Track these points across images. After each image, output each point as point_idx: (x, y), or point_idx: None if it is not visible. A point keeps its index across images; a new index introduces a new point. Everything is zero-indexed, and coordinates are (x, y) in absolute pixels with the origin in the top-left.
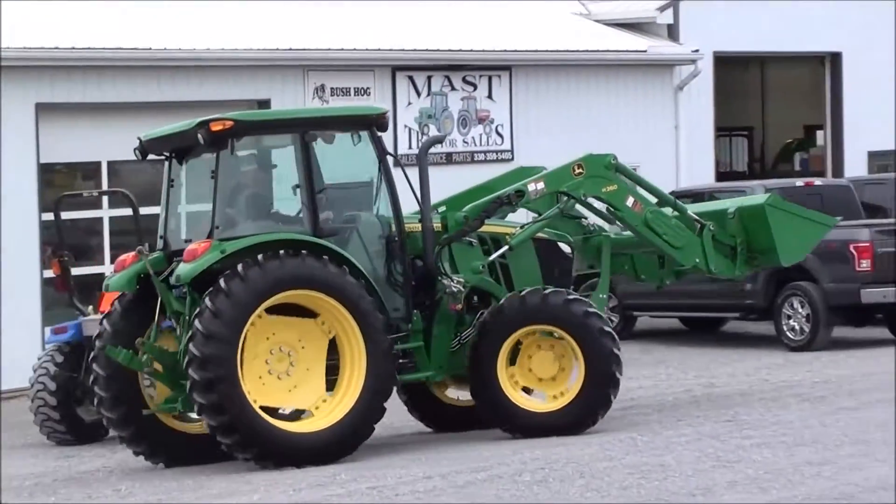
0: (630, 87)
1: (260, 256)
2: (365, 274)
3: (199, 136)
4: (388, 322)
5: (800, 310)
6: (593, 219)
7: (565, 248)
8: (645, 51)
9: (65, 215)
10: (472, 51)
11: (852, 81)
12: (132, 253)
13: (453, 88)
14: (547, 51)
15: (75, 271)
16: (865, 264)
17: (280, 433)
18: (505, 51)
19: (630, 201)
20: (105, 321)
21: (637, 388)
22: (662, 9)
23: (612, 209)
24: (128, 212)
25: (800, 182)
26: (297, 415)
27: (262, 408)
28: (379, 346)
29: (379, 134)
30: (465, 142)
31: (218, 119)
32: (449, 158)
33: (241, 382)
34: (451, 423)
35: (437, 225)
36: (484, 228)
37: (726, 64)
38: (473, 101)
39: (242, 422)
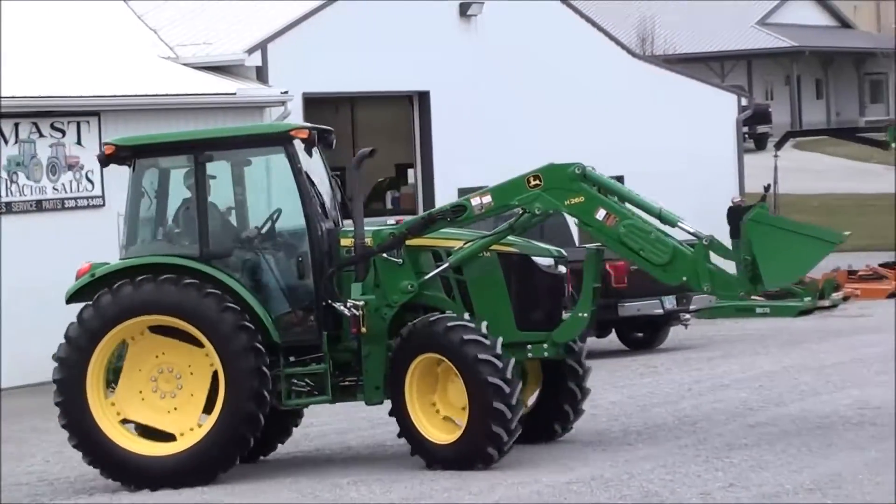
0: None
1: (122, 283)
2: (241, 294)
3: (97, 156)
4: (264, 343)
5: None
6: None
7: (544, 262)
8: (234, 93)
9: None
10: (59, 97)
11: (440, 119)
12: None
13: (41, 135)
14: (136, 95)
15: None
16: (621, 281)
17: (128, 455)
18: (93, 96)
19: (601, 214)
20: None
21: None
22: (251, 51)
23: (581, 223)
24: None
25: (392, 220)
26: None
27: (136, 424)
28: (237, 369)
29: (293, 150)
30: (55, 189)
31: (108, 143)
32: (39, 206)
33: (89, 406)
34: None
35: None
36: (440, 243)
37: (317, 104)
38: (62, 147)
39: (90, 441)
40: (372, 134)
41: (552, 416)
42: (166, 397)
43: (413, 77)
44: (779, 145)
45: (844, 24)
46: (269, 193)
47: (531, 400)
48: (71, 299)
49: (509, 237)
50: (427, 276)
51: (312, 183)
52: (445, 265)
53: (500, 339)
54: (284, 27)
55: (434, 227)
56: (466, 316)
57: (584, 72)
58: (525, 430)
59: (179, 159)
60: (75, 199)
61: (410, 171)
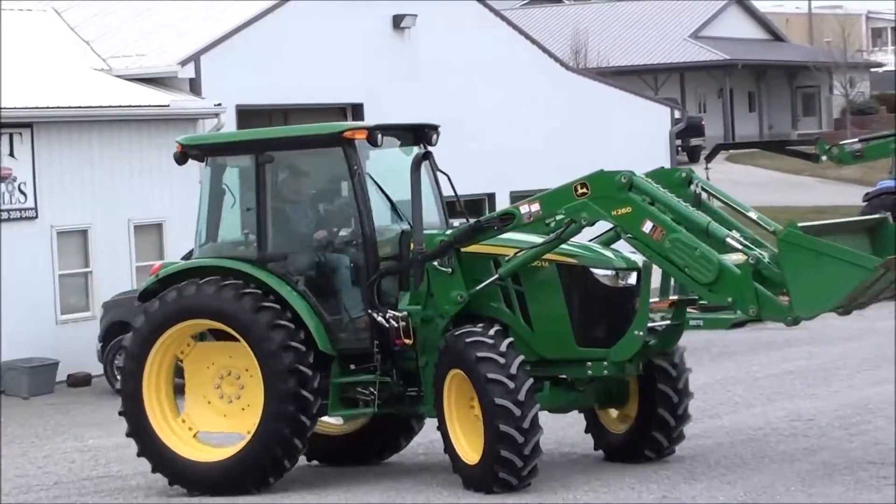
0: (155, 140)
1: (169, 289)
2: (287, 299)
3: (174, 155)
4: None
5: None
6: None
7: (604, 273)
8: (168, 105)
9: None
10: None
11: None
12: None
13: None
14: (69, 107)
15: None
16: None
17: (183, 461)
18: (25, 108)
19: (647, 226)
20: None
21: None
22: (184, 63)
23: (627, 236)
24: None
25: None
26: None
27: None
28: (273, 369)
29: (350, 151)
30: None
31: (177, 141)
32: None
33: (147, 415)
34: (615, 450)
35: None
36: (499, 251)
37: (250, 116)
38: None
39: (147, 446)
40: None
41: (644, 441)
42: (233, 400)
43: (347, 89)
44: (709, 158)
45: (777, 37)
46: (337, 195)
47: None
48: (140, 298)
49: (570, 246)
50: (478, 287)
51: (379, 185)
52: (495, 276)
53: (520, 358)
54: (218, 39)
55: (483, 235)
56: (494, 329)
57: (517, 84)
58: (624, 447)
59: (243, 159)
60: (7, 211)
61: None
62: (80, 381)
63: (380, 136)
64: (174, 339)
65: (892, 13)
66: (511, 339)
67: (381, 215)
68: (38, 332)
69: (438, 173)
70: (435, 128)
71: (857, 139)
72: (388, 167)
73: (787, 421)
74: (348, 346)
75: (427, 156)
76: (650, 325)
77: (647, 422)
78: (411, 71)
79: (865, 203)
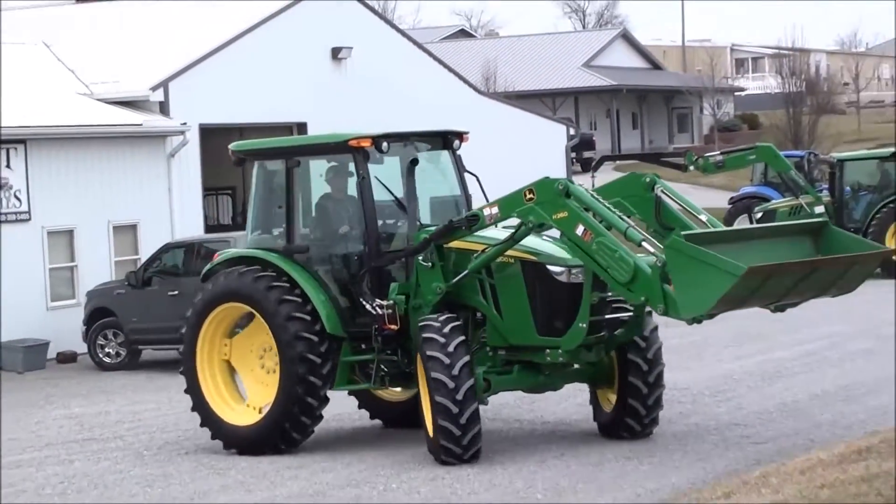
0: (130, 155)
1: (218, 273)
2: (303, 287)
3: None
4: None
5: None
6: None
7: (557, 270)
8: (140, 124)
9: None
10: None
11: None
12: None
13: None
14: (56, 126)
15: None
16: None
17: (222, 422)
18: (20, 126)
19: (580, 230)
20: None
21: (144, 411)
22: (154, 88)
23: (565, 238)
24: None
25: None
26: None
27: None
28: (287, 356)
29: (359, 158)
30: None
31: (230, 147)
32: None
33: (199, 380)
34: (602, 427)
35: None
36: (477, 247)
37: (211, 133)
38: None
39: (196, 404)
40: None
41: (621, 424)
42: (271, 372)
43: (293, 110)
44: (595, 168)
45: (656, 66)
46: (351, 196)
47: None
48: (202, 279)
49: (533, 245)
50: (454, 280)
51: (405, 192)
52: (465, 272)
53: (459, 339)
54: (183, 68)
55: (455, 234)
56: (450, 325)
57: (437, 106)
58: (609, 426)
59: (278, 163)
60: (5, 214)
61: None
62: (67, 358)
63: (385, 143)
64: (220, 318)
65: (753, 46)
66: (461, 337)
67: (396, 214)
68: (31, 316)
69: (467, 174)
70: (459, 134)
71: (719, 152)
72: (418, 168)
73: (666, 390)
74: (359, 328)
75: (414, 163)
76: (616, 316)
77: (622, 408)
78: (347, 94)
79: (731, 205)
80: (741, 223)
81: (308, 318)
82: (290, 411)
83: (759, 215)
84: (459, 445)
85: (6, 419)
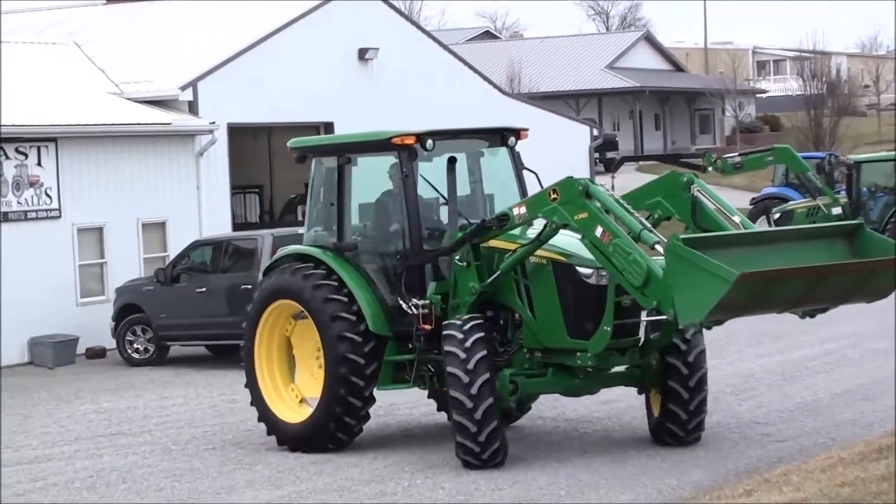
0: (159, 153)
1: (272, 271)
2: (348, 285)
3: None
4: (361, 333)
5: None
6: None
7: (585, 272)
8: (170, 123)
9: None
10: (23, 125)
11: None
12: None
13: (7, 157)
14: (87, 125)
15: None
16: None
17: (276, 419)
18: (51, 125)
19: (599, 231)
20: None
21: (172, 406)
22: (184, 88)
23: (585, 239)
24: None
25: (301, 230)
26: None
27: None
28: (330, 355)
29: (404, 156)
30: (19, 202)
31: (289, 144)
32: (6, 217)
33: (256, 372)
34: (652, 432)
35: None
36: (509, 246)
37: (239, 133)
38: (25, 167)
39: (254, 399)
40: (285, 158)
41: (664, 429)
42: (321, 368)
43: (320, 110)
44: (615, 168)
45: (678, 68)
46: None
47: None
48: (264, 274)
49: (563, 246)
50: (489, 280)
51: (452, 191)
52: (497, 272)
53: (476, 336)
54: (212, 68)
55: (488, 233)
56: (471, 324)
57: (461, 106)
58: (655, 432)
59: (332, 160)
60: (36, 211)
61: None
62: (96, 353)
63: (430, 140)
64: (276, 314)
65: (775, 48)
66: (483, 352)
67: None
68: (61, 312)
69: (526, 172)
70: (516, 131)
71: (737, 153)
72: (486, 168)
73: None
74: (405, 327)
75: (452, 161)
76: (653, 318)
77: (665, 414)
78: (374, 94)
79: (752, 206)
80: (760, 224)
81: (353, 317)
82: (334, 412)
83: (777, 216)
84: (476, 442)
85: (36, 413)
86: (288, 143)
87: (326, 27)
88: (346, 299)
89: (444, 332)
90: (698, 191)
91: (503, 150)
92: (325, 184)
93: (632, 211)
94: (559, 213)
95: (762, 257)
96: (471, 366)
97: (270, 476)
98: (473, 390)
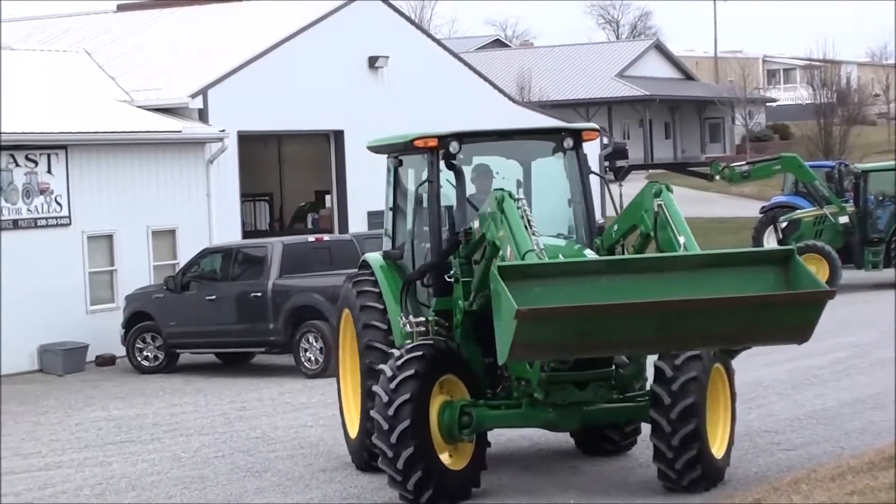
0: (169, 161)
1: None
2: (383, 294)
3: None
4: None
5: (314, 343)
6: None
7: None
8: (180, 131)
9: None
10: (33, 133)
11: (352, 154)
12: None
13: (17, 165)
14: (97, 132)
15: None
16: None
17: (346, 434)
18: (61, 133)
19: (508, 252)
20: None
21: (181, 413)
22: (194, 95)
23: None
24: None
25: (311, 238)
26: None
27: None
28: (362, 364)
29: (431, 158)
30: (29, 210)
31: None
32: (16, 224)
33: (339, 386)
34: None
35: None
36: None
37: (249, 141)
38: (35, 175)
39: (340, 407)
40: (295, 166)
41: (655, 455)
42: None
43: (330, 118)
44: (622, 177)
45: (688, 76)
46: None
47: None
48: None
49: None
50: (471, 299)
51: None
52: (473, 292)
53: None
54: (223, 75)
55: (457, 248)
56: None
57: (471, 114)
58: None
59: (391, 161)
60: (46, 218)
61: (328, 197)
62: (106, 361)
63: (454, 143)
64: (344, 322)
65: (785, 57)
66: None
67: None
68: (71, 319)
69: (592, 175)
70: (577, 132)
71: (745, 162)
72: (539, 173)
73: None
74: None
75: (480, 168)
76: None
77: (654, 451)
78: (384, 102)
79: (762, 214)
80: (769, 233)
81: (385, 327)
82: (365, 427)
83: (784, 225)
84: (396, 470)
85: (46, 421)
86: (367, 145)
87: (337, 35)
88: (382, 308)
89: (377, 367)
90: (659, 204)
91: (567, 154)
92: (386, 186)
93: (530, 226)
94: (490, 230)
95: (615, 290)
96: (391, 411)
97: (280, 483)
98: (391, 411)
